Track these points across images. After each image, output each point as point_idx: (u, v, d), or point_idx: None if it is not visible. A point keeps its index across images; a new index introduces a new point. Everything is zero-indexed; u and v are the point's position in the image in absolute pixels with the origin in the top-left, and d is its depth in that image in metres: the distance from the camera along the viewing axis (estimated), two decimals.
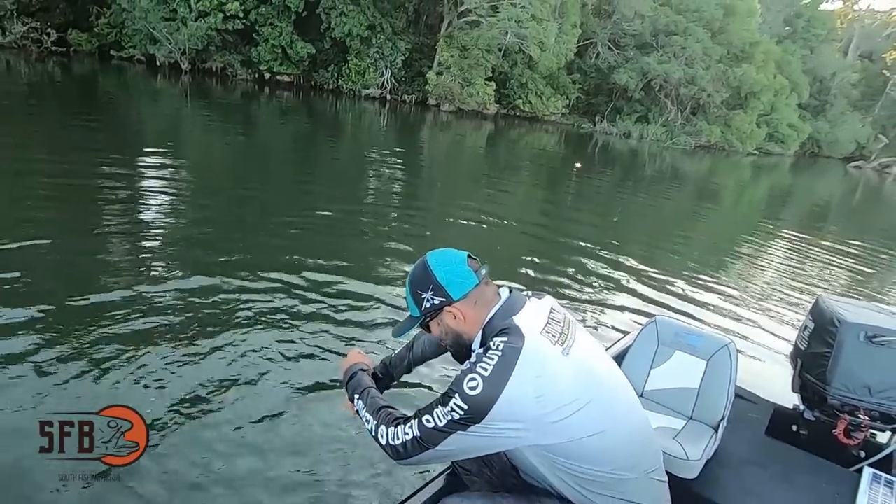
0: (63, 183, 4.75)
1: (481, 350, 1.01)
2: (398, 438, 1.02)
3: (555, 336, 1.02)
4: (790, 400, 1.86)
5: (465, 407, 0.94)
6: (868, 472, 1.49)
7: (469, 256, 1.12)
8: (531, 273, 4.42)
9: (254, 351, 2.24)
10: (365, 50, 19.55)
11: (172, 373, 1.84)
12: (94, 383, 1.60)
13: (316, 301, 3.03)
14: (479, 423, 0.94)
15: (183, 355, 1.97)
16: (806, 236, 8.55)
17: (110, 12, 17.65)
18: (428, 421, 0.98)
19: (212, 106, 13.57)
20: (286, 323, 2.65)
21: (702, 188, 13.96)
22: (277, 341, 2.44)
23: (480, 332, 1.08)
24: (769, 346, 3.69)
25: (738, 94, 24.94)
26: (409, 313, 1.17)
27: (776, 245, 7.72)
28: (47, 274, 2.71)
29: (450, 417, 0.95)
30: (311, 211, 5.31)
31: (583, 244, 5.70)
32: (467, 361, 1.02)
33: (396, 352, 1.44)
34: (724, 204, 11.88)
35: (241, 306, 2.74)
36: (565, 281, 4.34)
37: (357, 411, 1.17)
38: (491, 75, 21.17)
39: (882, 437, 1.66)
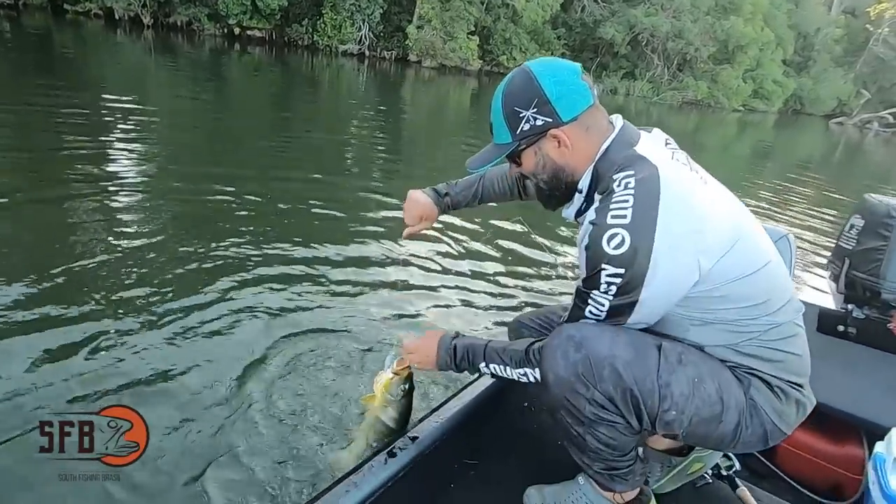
0: (22, 140, 4.40)
1: (600, 196, 0.84)
2: None
3: (685, 164, 0.85)
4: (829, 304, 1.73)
5: (621, 271, 0.76)
6: None
7: (582, 68, 0.90)
8: (527, 221, 4.17)
9: (257, 333, 2.07)
10: (340, 2, 18.48)
11: (174, 369, 1.72)
12: (94, 383, 1.56)
13: (316, 268, 2.76)
14: (642, 283, 0.77)
15: (186, 350, 1.85)
16: (793, 183, 8.53)
17: None
18: (590, 315, 0.83)
19: (179, 62, 12.72)
20: (286, 293, 2.42)
21: (689, 143, 13.83)
22: (279, 313, 2.21)
23: (591, 169, 0.88)
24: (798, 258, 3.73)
25: (726, 47, 24.61)
26: (491, 141, 0.95)
27: (764, 187, 7.67)
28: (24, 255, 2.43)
29: (610, 298, 0.79)
30: (289, 167, 5.00)
31: None
32: (588, 220, 0.83)
33: (464, 178, 1.21)
34: (715, 154, 11.79)
35: (238, 277, 2.49)
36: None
37: (492, 374, 1.00)
38: (474, 29, 20.36)
39: None
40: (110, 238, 2.70)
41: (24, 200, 3.04)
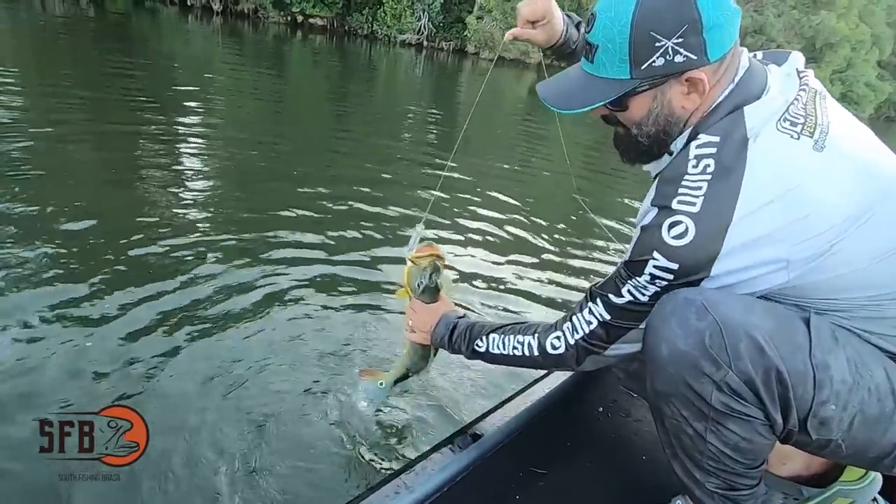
0: (98, 95, 4.59)
1: (672, 174, 0.67)
2: (576, 332, 0.77)
3: (796, 124, 0.65)
4: None
5: (675, 267, 0.64)
6: None
7: None
8: (585, 226, 3.67)
9: (264, 331, 1.92)
10: None
11: (175, 368, 1.69)
12: (94, 383, 1.57)
13: (336, 274, 2.38)
14: (697, 284, 0.65)
15: (186, 349, 1.78)
16: None
17: None
18: (619, 297, 0.71)
19: (244, 46, 13.12)
20: (301, 295, 2.13)
21: None
22: (289, 318, 1.98)
23: (694, 126, 0.70)
24: None
25: (813, 45, 22.45)
26: (589, 74, 0.71)
27: None
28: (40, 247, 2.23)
29: (655, 288, 0.67)
30: (346, 135, 4.91)
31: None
32: (650, 201, 0.69)
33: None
34: None
35: (259, 278, 2.23)
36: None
37: (484, 353, 0.91)
38: None
39: None
40: (147, 211, 2.53)
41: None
